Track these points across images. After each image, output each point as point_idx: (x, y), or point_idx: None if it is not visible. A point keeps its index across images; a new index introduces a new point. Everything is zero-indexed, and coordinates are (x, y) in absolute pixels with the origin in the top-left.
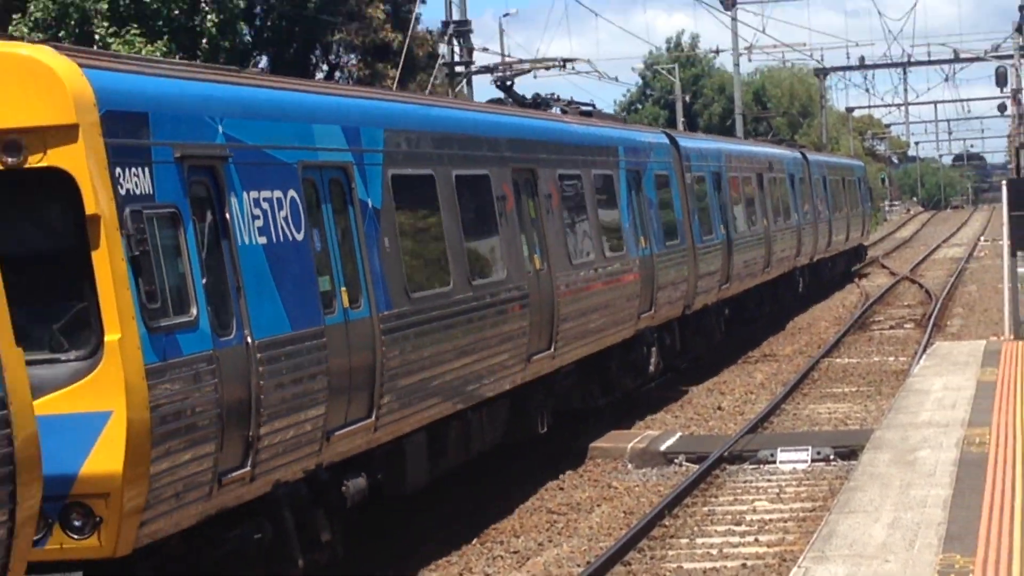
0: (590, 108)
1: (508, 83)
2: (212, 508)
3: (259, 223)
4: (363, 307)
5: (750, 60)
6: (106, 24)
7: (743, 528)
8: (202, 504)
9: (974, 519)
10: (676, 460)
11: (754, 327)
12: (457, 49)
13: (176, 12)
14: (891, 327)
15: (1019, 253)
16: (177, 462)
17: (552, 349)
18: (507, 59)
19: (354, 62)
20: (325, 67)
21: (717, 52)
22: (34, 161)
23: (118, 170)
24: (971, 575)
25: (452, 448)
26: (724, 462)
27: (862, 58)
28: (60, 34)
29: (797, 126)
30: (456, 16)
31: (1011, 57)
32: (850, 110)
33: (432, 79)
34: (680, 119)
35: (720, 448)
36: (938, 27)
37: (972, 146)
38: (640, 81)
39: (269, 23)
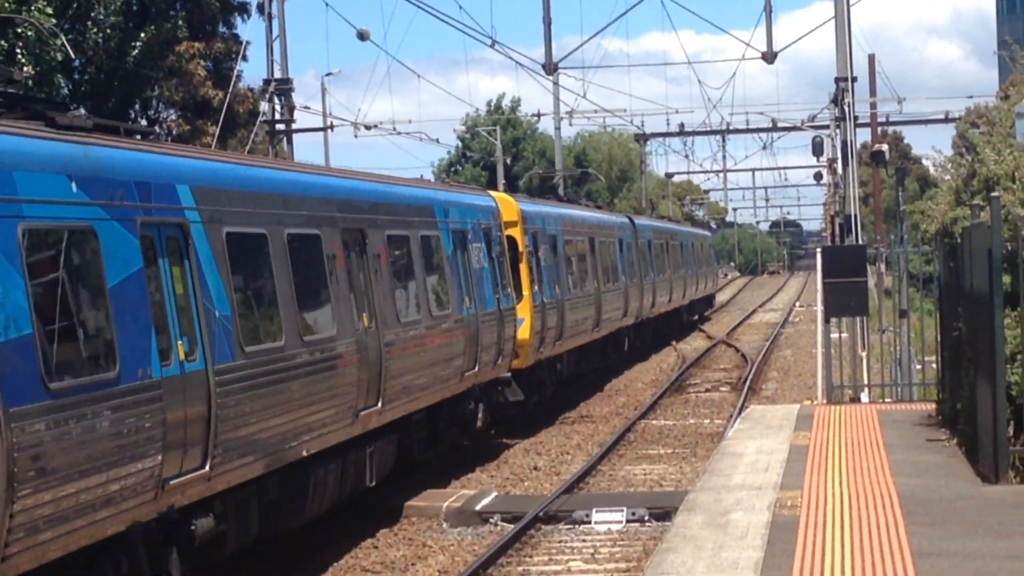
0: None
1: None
2: (544, 356)
3: (543, 256)
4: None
5: (571, 124)
6: None
7: None
8: (539, 354)
9: None
10: (491, 520)
11: (576, 386)
12: (278, 107)
13: None
14: (707, 390)
15: (832, 319)
16: (541, 337)
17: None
18: (330, 117)
19: (174, 118)
20: (144, 122)
21: (539, 115)
22: (502, 232)
23: (525, 236)
24: None
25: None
26: (540, 522)
27: (682, 125)
28: None
29: (616, 190)
30: (278, 74)
31: (827, 127)
32: (670, 175)
33: (252, 136)
34: (501, 181)
35: (536, 508)
36: (757, 96)
37: (788, 213)
38: (459, 143)
39: (87, 76)
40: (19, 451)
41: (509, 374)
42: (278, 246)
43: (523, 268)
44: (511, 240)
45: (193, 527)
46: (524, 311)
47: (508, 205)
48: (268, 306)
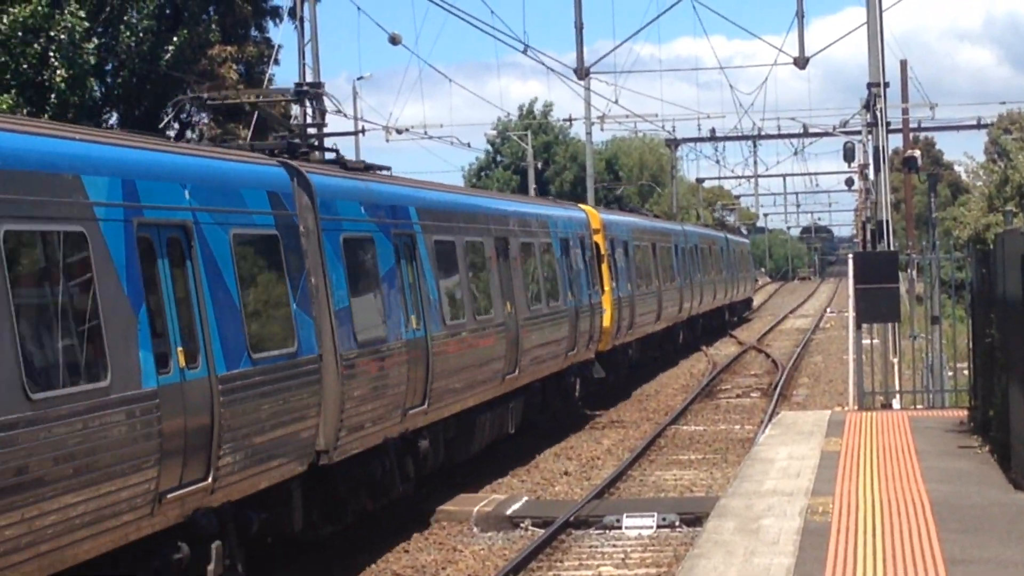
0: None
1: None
2: (619, 343)
3: (618, 258)
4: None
5: (602, 130)
6: None
7: None
8: (616, 340)
9: None
10: (522, 524)
11: (603, 391)
12: (310, 111)
13: (25, 66)
14: (738, 395)
15: (864, 325)
16: (618, 326)
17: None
18: (362, 121)
19: (206, 121)
20: (176, 125)
21: (570, 120)
22: (592, 239)
23: (605, 241)
24: None
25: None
26: (570, 527)
27: (713, 130)
28: None
29: (648, 195)
30: (310, 78)
31: (858, 133)
32: (700, 180)
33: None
34: (532, 185)
35: (566, 513)
36: (788, 102)
37: (820, 219)
38: (490, 148)
39: (120, 79)
40: (345, 380)
41: (594, 356)
42: (461, 250)
43: (604, 268)
44: (595, 244)
45: (419, 446)
46: (605, 303)
47: (593, 216)
48: (456, 292)
